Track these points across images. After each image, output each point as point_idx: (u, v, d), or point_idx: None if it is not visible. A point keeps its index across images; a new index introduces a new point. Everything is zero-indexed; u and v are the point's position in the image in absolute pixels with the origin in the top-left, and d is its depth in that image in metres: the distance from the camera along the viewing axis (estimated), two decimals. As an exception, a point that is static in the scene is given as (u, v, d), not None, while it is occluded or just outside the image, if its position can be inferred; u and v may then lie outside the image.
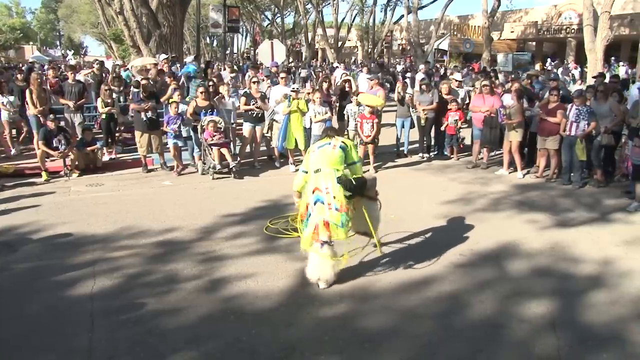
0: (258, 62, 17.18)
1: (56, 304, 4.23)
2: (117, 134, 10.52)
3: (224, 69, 14.53)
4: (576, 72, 19.62)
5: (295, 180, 4.64)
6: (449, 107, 9.67)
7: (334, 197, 4.33)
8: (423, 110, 9.77)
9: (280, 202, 7.04)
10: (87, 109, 10.98)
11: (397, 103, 10.37)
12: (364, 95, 9.47)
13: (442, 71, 20.66)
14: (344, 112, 9.69)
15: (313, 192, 4.37)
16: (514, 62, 24.98)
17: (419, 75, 15.92)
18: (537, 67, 23.83)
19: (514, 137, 8.47)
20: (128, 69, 15.66)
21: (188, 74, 11.86)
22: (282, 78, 9.88)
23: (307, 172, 4.55)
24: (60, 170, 8.63)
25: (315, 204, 4.31)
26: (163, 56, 13.34)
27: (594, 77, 11.65)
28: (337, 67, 21.25)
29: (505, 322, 3.97)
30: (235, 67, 16.22)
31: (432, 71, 18.41)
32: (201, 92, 8.86)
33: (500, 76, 14.74)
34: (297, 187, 4.67)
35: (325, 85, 10.28)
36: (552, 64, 24.05)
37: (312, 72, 17.04)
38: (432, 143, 10.22)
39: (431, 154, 10.12)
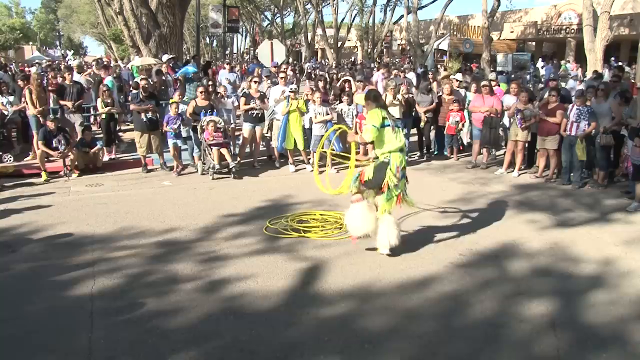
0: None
1: (56, 304, 4.22)
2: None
3: (223, 68, 14.45)
4: (568, 68, 19.43)
5: (367, 133, 5.06)
6: (450, 107, 9.66)
7: (405, 176, 5.19)
8: (423, 111, 9.77)
9: (280, 202, 7.04)
10: (86, 109, 10.98)
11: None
12: (362, 95, 9.45)
13: (442, 72, 20.54)
14: (339, 112, 9.69)
15: (403, 168, 5.06)
16: (513, 62, 24.98)
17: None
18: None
19: (522, 137, 8.47)
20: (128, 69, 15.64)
21: (186, 74, 11.79)
22: (281, 78, 9.88)
23: (375, 127, 4.97)
24: (60, 170, 8.63)
25: (401, 179, 5.07)
26: (166, 56, 13.31)
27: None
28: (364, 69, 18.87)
29: (505, 322, 3.97)
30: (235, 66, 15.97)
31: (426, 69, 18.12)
32: (201, 92, 8.86)
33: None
34: (370, 139, 5.10)
35: (321, 84, 10.27)
36: (541, 64, 23.92)
37: (327, 74, 16.75)
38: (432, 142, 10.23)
39: (426, 154, 10.12)
